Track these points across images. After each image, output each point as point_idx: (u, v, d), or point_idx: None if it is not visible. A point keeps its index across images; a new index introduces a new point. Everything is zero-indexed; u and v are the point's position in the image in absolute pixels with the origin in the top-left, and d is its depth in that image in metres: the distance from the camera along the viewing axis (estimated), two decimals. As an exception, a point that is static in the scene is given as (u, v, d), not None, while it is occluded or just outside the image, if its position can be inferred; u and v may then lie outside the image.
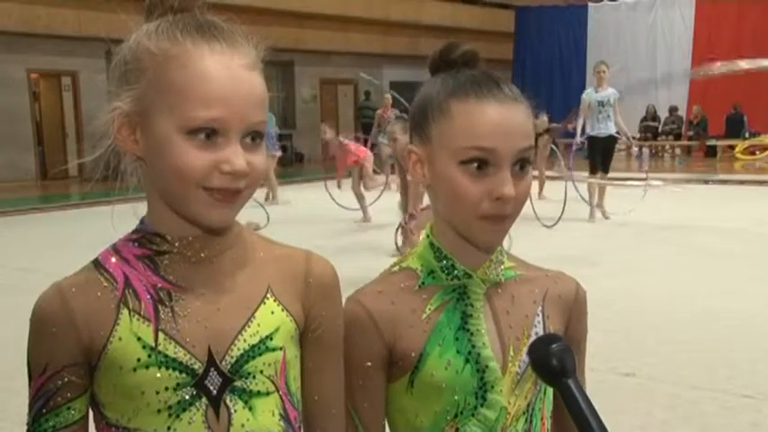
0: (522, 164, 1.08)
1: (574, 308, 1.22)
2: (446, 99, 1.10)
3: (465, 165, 1.07)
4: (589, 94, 9.74)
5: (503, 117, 1.07)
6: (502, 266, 1.17)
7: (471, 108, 1.07)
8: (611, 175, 10.09)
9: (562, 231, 9.00)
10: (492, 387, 1.12)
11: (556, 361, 0.98)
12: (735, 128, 19.24)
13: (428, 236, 1.18)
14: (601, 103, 9.59)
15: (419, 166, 1.14)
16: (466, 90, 1.09)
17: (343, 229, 9.64)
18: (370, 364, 1.12)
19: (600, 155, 9.76)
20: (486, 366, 1.12)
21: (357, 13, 20.92)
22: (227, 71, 0.95)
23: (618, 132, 9.78)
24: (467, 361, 1.12)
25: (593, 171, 9.82)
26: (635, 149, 14.50)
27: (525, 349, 1.13)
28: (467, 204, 1.07)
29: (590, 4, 22.65)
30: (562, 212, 9.22)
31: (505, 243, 1.18)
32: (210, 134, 0.94)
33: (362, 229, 9.73)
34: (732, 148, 18.81)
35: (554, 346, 0.99)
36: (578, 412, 0.94)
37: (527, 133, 1.09)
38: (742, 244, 8.05)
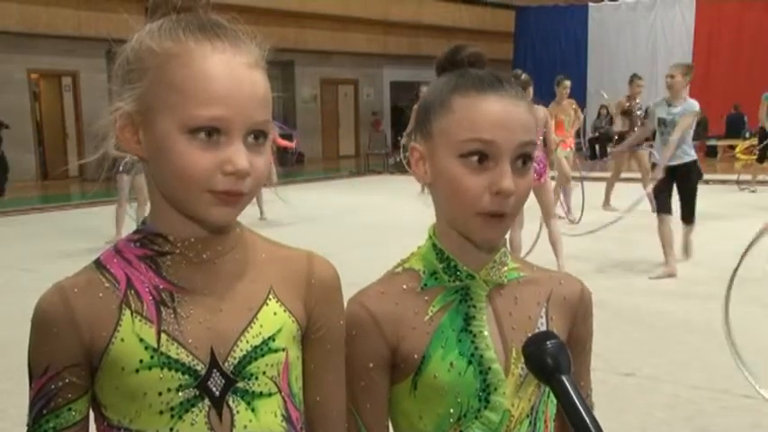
0: (523, 159, 1.08)
1: (579, 309, 1.21)
2: (448, 95, 1.11)
3: (465, 158, 1.07)
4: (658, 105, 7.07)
5: (503, 110, 1.07)
6: (505, 268, 1.17)
7: (472, 102, 1.08)
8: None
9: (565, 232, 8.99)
10: (495, 389, 1.12)
11: (550, 359, 0.97)
12: (735, 128, 19.24)
13: (430, 237, 1.18)
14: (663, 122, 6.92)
15: (421, 164, 1.14)
16: (467, 86, 1.10)
17: (342, 230, 9.64)
18: (372, 365, 1.12)
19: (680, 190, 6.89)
20: (489, 368, 1.12)
21: (357, 13, 20.92)
22: (229, 70, 0.95)
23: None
24: (469, 363, 1.11)
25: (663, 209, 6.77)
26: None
27: None
28: (466, 199, 1.07)
29: (590, 4, 22.63)
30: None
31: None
32: (212, 133, 0.94)
33: (360, 228, 9.73)
34: (732, 148, 18.81)
35: (548, 343, 0.98)
36: (573, 410, 0.94)
37: (528, 128, 1.09)
38: (741, 243, 8.03)
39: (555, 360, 0.96)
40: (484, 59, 1.16)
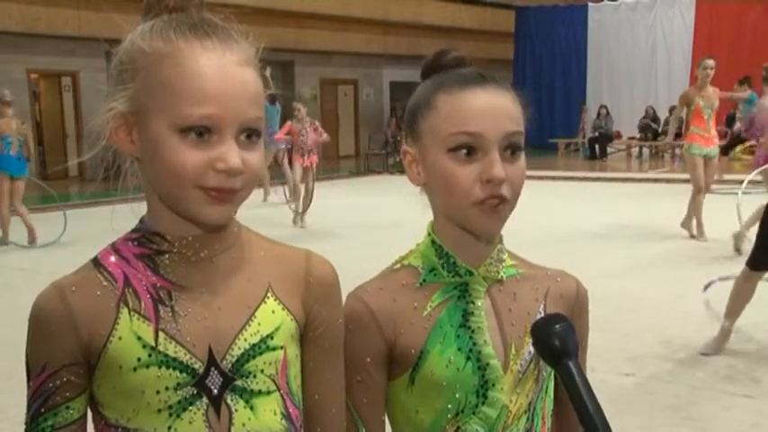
0: (512, 149, 1.10)
1: (575, 306, 1.22)
2: (432, 94, 1.13)
3: (454, 152, 1.09)
4: None
5: (487, 101, 1.09)
6: (503, 264, 1.18)
7: (456, 97, 1.10)
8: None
9: (568, 230, 9.00)
10: (493, 385, 1.12)
11: (558, 341, 0.98)
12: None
13: (429, 233, 1.19)
14: None
15: (414, 166, 1.16)
16: (450, 83, 1.12)
17: (342, 230, 9.64)
18: (369, 359, 1.13)
19: None
20: (488, 364, 1.12)
21: (357, 13, 20.92)
22: (220, 68, 0.95)
23: None
24: (468, 359, 1.12)
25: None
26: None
27: (527, 347, 1.14)
28: (460, 191, 1.08)
29: (590, 4, 22.63)
30: None
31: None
32: (204, 132, 0.94)
33: (360, 228, 9.72)
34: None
35: (557, 326, 0.99)
36: (576, 394, 0.95)
37: (514, 117, 1.11)
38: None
39: (563, 342, 0.98)
40: (467, 63, 1.18)
